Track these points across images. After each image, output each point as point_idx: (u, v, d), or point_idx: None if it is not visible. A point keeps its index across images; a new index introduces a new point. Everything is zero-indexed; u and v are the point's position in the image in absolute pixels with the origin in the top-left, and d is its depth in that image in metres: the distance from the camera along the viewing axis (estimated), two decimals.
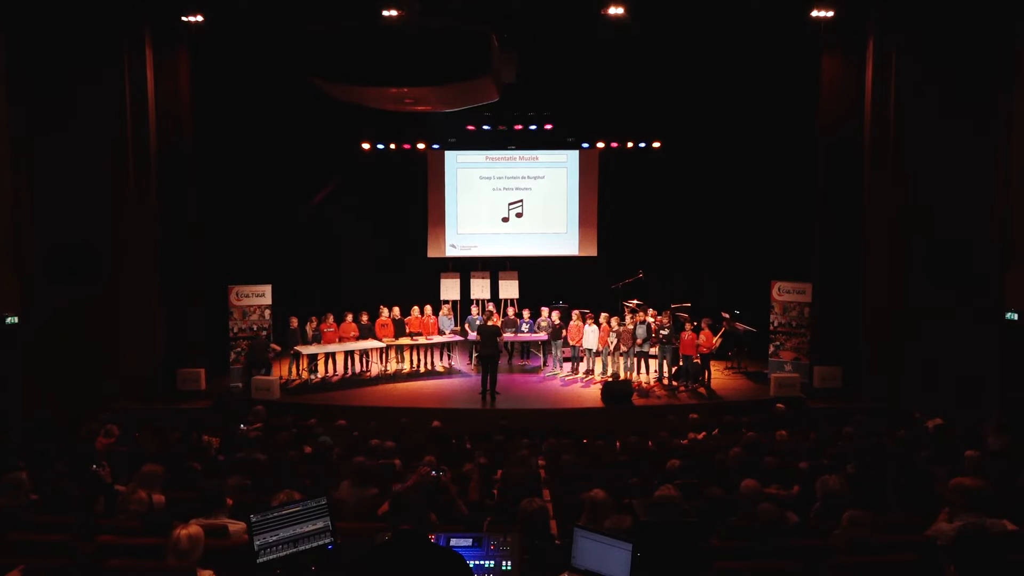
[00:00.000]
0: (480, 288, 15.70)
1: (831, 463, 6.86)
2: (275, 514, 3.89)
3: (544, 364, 14.22)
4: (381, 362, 13.81)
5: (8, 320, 11.08)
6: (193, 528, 4.11)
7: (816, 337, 12.70)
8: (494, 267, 16.01)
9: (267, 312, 13.18)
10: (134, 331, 12.10)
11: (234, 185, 13.97)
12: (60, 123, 11.53)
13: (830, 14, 11.69)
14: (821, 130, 12.53)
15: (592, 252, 16.34)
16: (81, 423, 9.15)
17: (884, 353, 11.91)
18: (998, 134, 11.17)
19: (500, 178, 16.42)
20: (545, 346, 14.17)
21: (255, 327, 13.05)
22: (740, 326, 13.65)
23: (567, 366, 13.83)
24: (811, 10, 11.62)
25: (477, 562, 3.58)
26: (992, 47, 11.11)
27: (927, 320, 11.44)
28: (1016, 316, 10.76)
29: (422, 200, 16.41)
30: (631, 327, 12.92)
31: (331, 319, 13.34)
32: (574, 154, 16.32)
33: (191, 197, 12.84)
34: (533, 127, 15.74)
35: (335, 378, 13.37)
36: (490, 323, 12.86)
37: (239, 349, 12.92)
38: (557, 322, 13.66)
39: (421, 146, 16.20)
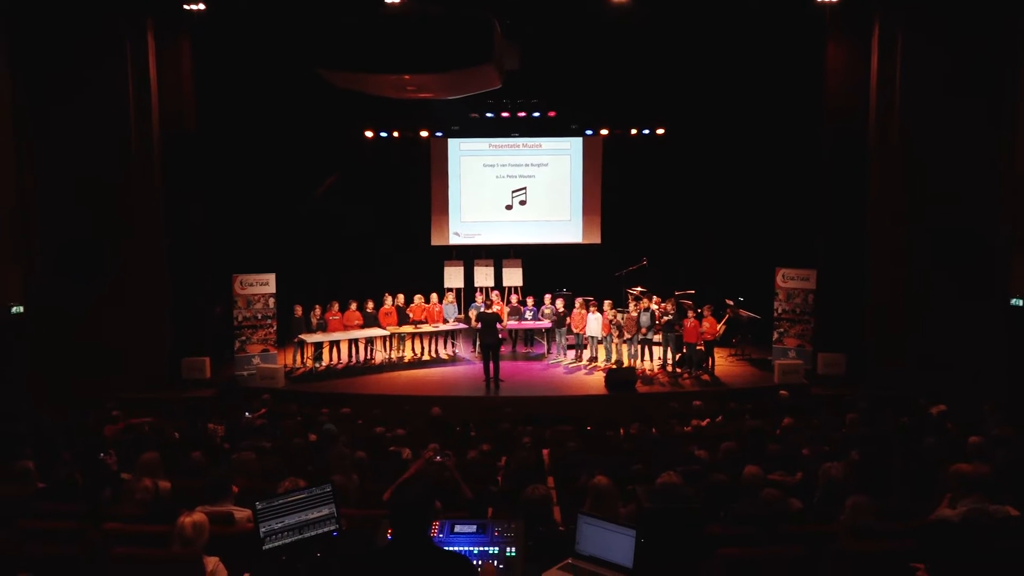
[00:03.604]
0: (484, 276, 15.70)
1: (834, 450, 6.86)
2: (280, 501, 3.90)
3: (548, 352, 14.24)
4: (385, 350, 13.84)
5: (14, 310, 11.12)
6: (198, 516, 4.13)
7: (820, 324, 12.68)
8: (498, 255, 16.01)
9: (271, 301, 13.21)
10: (139, 320, 12.13)
11: (237, 174, 13.97)
12: (64, 113, 11.53)
13: None
14: (826, 116, 12.44)
15: (596, 240, 16.31)
16: (88, 412, 9.21)
17: (888, 340, 11.89)
18: (1005, 118, 11.06)
19: (504, 165, 16.38)
20: (549, 334, 14.19)
21: (259, 315, 13.11)
22: (744, 313, 13.64)
23: (571, 353, 13.85)
24: None
25: (481, 548, 3.59)
26: (999, 30, 10.97)
27: (932, 306, 11.39)
28: (1022, 302, 10.71)
29: (425, 188, 16.39)
30: (635, 314, 12.91)
31: (335, 307, 13.37)
32: (578, 141, 16.26)
33: (194, 186, 12.85)
34: (536, 114, 15.67)
35: (340, 366, 13.41)
36: (490, 311, 12.85)
37: (243, 337, 12.99)
38: (561, 310, 13.67)
39: (424, 133, 16.16)
